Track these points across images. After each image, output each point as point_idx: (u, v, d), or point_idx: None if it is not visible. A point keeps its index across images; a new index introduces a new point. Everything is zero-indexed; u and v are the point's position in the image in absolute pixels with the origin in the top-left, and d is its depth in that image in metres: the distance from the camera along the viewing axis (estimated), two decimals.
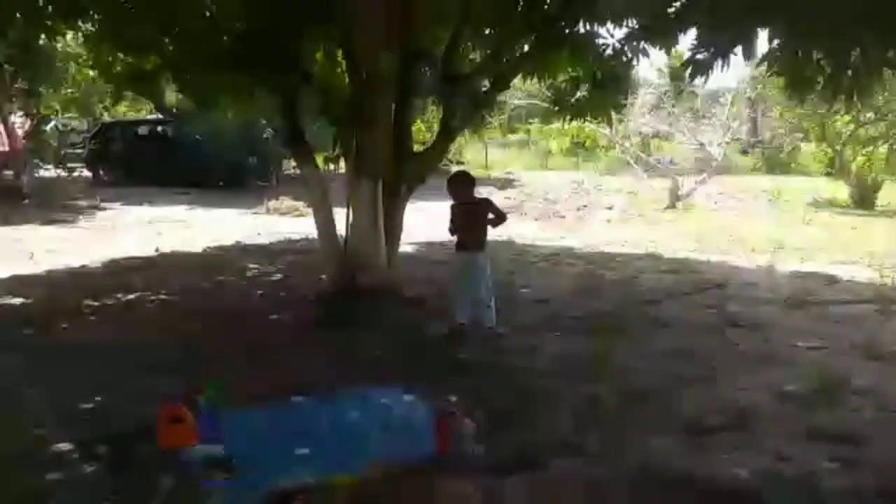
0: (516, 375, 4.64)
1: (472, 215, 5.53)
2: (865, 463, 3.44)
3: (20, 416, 3.89)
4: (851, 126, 17.91)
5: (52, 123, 17.97)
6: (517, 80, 8.88)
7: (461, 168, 6.89)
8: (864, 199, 17.14)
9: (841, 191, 18.33)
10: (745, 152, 27.76)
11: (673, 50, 6.43)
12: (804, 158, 25.92)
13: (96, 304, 6.48)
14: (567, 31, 6.29)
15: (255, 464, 3.27)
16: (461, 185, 5.62)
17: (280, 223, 12.56)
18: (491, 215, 5.59)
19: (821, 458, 3.44)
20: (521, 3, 6.40)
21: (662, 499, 3.11)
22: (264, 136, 17.88)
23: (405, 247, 8.46)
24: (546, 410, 4.01)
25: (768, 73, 6.34)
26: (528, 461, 3.36)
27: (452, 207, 5.66)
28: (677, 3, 5.41)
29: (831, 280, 7.87)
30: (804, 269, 8.61)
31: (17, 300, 6.60)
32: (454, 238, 5.63)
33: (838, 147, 18.24)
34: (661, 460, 3.41)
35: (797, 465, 3.38)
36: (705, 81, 6.50)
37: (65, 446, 3.51)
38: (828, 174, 20.45)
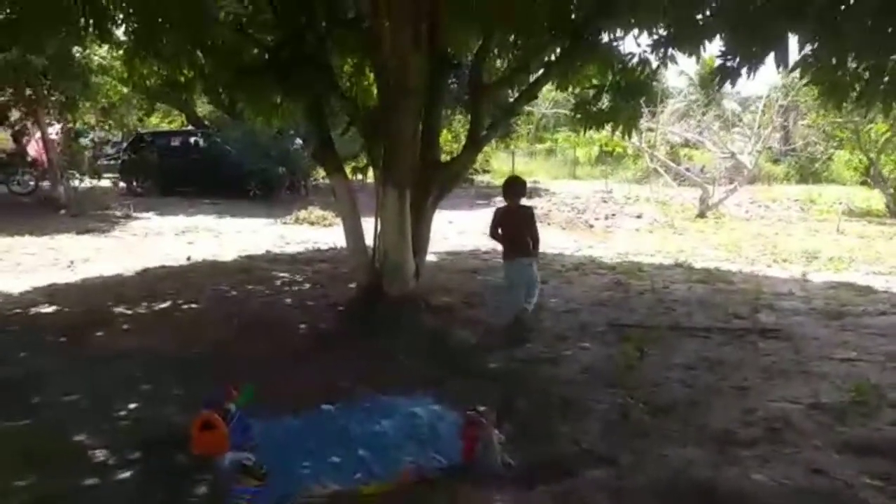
0: (544, 385, 4.62)
1: (524, 221, 5.97)
2: None
3: (57, 422, 3.98)
4: (887, 134, 17.54)
5: (89, 136, 18.36)
6: (544, 89, 8.85)
7: (512, 176, 6.95)
8: None
9: (876, 200, 17.99)
10: (776, 161, 27.37)
11: (703, 58, 6.39)
12: (838, 167, 25.45)
13: (130, 312, 6.61)
14: (593, 40, 6.28)
15: (285, 471, 3.32)
16: (519, 190, 6.11)
17: (309, 233, 12.68)
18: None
19: (855, 472, 3.38)
20: (549, 13, 6.40)
21: None
22: (294, 146, 18.09)
23: (431, 256, 8.49)
24: (574, 420, 4.00)
25: (802, 82, 6.25)
26: (555, 471, 3.35)
27: (499, 210, 6.11)
28: (705, 10, 5.37)
29: (866, 290, 7.72)
30: (838, 278, 8.46)
31: (54, 308, 6.75)
32: (493, 242, 6.03)
33: (873, 155, 17.88)
34: (691, 472, 3.38)
35: (830, 478, 3.33)
36: (733, 87, 6.49)
37: (101, 452, 3.58)
38: (863, 183, 20.05)
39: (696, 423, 3.99)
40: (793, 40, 4.65)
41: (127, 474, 3.37)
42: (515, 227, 5.95)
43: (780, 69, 4.56)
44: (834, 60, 4.80)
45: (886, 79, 4.73)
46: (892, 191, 17.36)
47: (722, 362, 5.11)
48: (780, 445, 3.71)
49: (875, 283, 8.21)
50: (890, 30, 3.99)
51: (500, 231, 6.01)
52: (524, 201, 6.24)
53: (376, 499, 3.10)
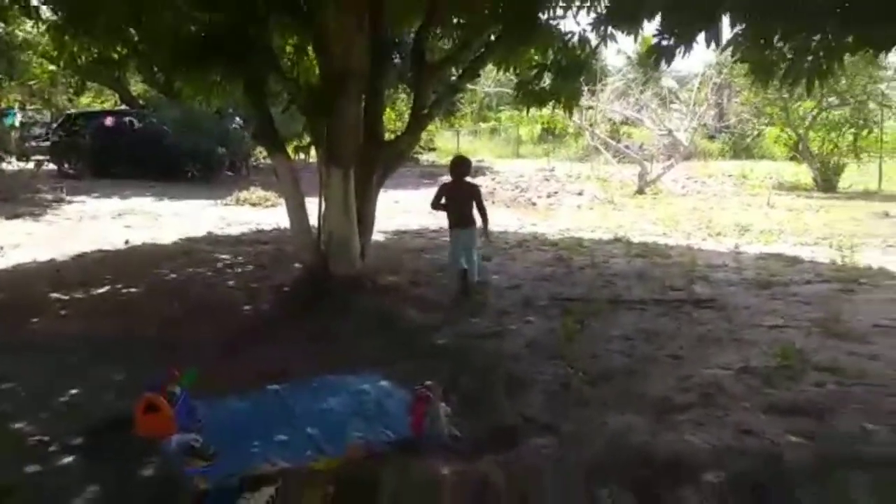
0: (489, 359, 4.73)
1: (468, 196, 6.47)
2: (827, 434, 3.60)
3: None
4: (814, 111, 18.28)
5: (15, 115, 17.58)
6: (488, 68, 8.91)
7: (458, 155, 7.36)
8: (826, 182, 17.55)
9: (804, 174, 18.75)
10: (712, 137, 28.18)
11: (640, 36, 6.54)
12: (769, 143, 26.39)
13: (66, 297, 6.43)
14: (534, 18, 6.36)
15: (233, 450, 3.33)
16: (464, 168, 6.68)
17: (251, 214, 12.49)
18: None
19: (781, 431, 3.59)
20: None
21: (630, 475, 3.21)
22: (233, 125, 17.71)
23: (377, 235, 8.50)
24: (518, 392, 4.11)
25: (732, 59, 6.47)
26: (500, 441, 3.45)
27: (443, 186, 6.64)
28: None
29: (794, 261, 8.10)
30: (768, 250, 8.85)
31: None
32: (438, 218, 6.68)
33: (802, 131, 18.60)
34: (629, 437, 3.53)
35: (758, 438, 3.53)
36: (668, 66, 6.67)
37: (41, 439, 3.51)
38: (792, 158, 20.86)
39: (634, 391, 4.16)
40: (725, 20, 4.84)
41: (69, 460, 3.32)
42: (459, 201, 6.44)
43: (712, 48, 4.70)
44: (762, 41, 4.99)
45: (810, 58, 4.95)
46: (819, 165, 18.11)
47: (658, 333, 5.32)
48: (712, 409, 3.89)
49: (802, 253, 8.61)
50: (814, 11, 4.16)
51: (444, 203, 6.51)
52: (469, 179, 6.67)
53: (326, 474, 3.14)
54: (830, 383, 4.30)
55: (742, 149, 27.34)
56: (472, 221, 6.43)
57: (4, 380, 4.32)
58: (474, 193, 6.46)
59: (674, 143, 18.12)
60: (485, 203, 6.53)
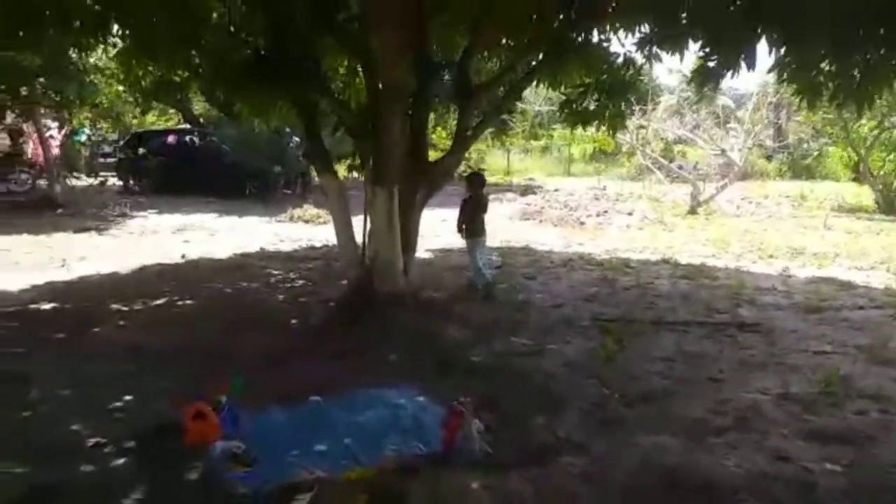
0: (526, 377, 4.79)
1: (485, 207, 7.54)
2: (865, 464, 3.55)
3: (55, 414, 4.13)
4: (875, 130, 17.73)
5: (85, 134, 18.47)
6: (540, 87, 8.97)
7: (474, 171, 8.04)
8: (889, 205, 16.95)
9: (867, 196, 18.16)
10: (769, 157, 27.54)
11: (694, 54, 6.54)
12: (831, 163, 25.65)
13: (126, 309, 6.75)
14: (579, 40, 6.44)
15: (274, 458, 3.48)
16: (480, 180, 7.78)
17: (303, 230, 12.82)
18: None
19: (817, 458, 3.55)
20: (534, 15, 6.55)
21: (661, 495, 3.23)
22: (290, 144, 18.20)
23: (423, 253, 8.66)
24: (552, 411, 4.16)
25: (778, 81, 6.42)
26: (531, 459, 3.51)
27: (466, 201, 7.53)
28: (683, 12, 5.52)
29: (847, 286, 7.90)
30: (820, 274, 8.64)
31: (52, 305, 6.89)
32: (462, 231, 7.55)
33: (863, 151, 18.05)
34: (661, 458, 3.54)
35: (793, 464, 3.49)
36: (716, 88, 6.64)
37: (97, 441, 3.73)
38: (854, 179, 20.23)
39: (669, 413, 4.17)
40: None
41: (122, 461, 3.53)
42: (478, 212, 7.48)
43: (750, 71, 4.71)
44: (806, 63, 4.97)
45: (858, 78, 4.89)
46: (881, 187, 17.53)
47: (699, 355, 5.29)
48: (748, 433, 3.88)
49: (856, 277, 8.39)
50: (852, 35, 4.14)
51: (464, 215, 7.46)
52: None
53: (360, 484, 3.25)
54: (874, 411, 4.23)
55: (802, 169, 26.64)
56: (482, 230, 7.51)
57: (66, 385, 4.59)
58: (486, 205, 7.59)
59: (729, 162, 17.82)
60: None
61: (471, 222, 7.43)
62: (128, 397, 4.38)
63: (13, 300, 7.04)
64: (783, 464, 3.52)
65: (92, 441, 3.74)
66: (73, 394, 4.47)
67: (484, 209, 7.55)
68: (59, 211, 14.27)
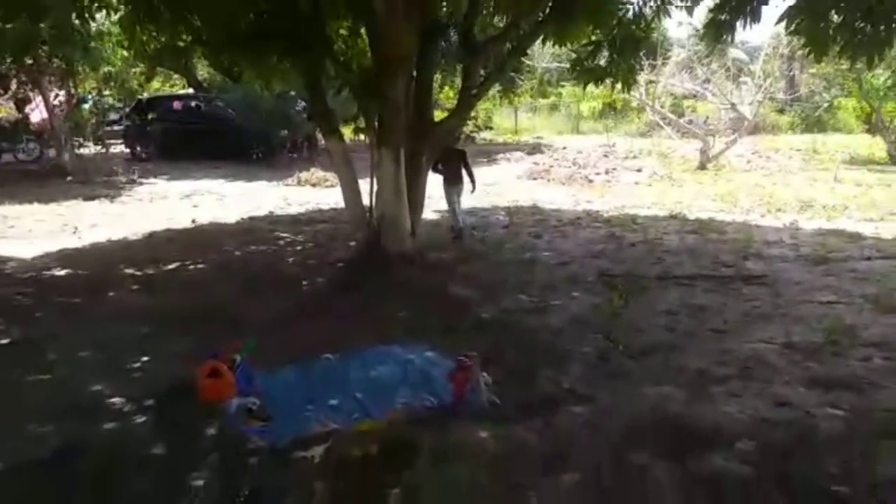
0: (532, 332, 4.88)
1: (456, 160, 8.12)
2: (867, 408, 3.61)
3: (75, 376, 4.25)
4: (889, 81, 17.41)
5: (90, 101, 18.39)
6: (548, 44, 8.86)
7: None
8: None
9: (878, 148, 17.93)
10: (781, 111, 27.15)
11: (706, 7, 6.42)
12: (844, 115, 25.24)
13: (138, 273, 6.86)
14: None
15: (288, 413, 3.59)
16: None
17: (311, 194, 12.86)
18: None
19: (818, 404, 3.63)
20: None
21: (665, 442, 3.31)
22: (295, 108, 18.11)
23: (430, 214, 8.70)
24: (557, 364, 4.24)
25: (787, 33, 6.32)
26: (537, 409, 3.60)
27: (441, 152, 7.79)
28: None
29: (855, 237, 7.89)
30: (829, 226, 8.62)
31: (66, 271, 7.02)
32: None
33: (876, 103, 17.75)
34: (665, 407, 3.62)
35: (794, 409, 3.57)
36: (731, 41, 6.54)
37: (118, 400, 3.86)
38: (867, 131, 19.93)
39: (673, 364, 4.24)
40: None
41: (143, 419, 3.65)
42: (450, 165, 8.01)
43: (755, 23, 4.66)
44: (816, 13, 4.88)
45: (869, 30, 4.81)
46: (893, 138, 17.29)
47: (704, 308, 5.34)
48: (750, 381, 3.95)
49: (865, 229, 8.36)
50: None
51: (440, 167, 7.94)
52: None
53: (371, 435, 3.36)
54: (877, 358, 4.29)
55: (814, 122, 26.23)
56: (461, 180, 8.19)
57: (84, 348, 4.71)
58: (461, 158, 8.15)
59: (739, 117, 17.60)
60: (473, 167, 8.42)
61: (448, 173, 8.12)
62: (144, 358, 4.51)
63: (27, 267, 7.17)
64: (785, 409, 3.59)
65: (113, 400, 3.87)
66: (91, 356, 4.60)
67: (455, 163, 8.14)
68: (68, 179, 14.35)
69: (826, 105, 23.65)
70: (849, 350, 4.41)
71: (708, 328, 4.88)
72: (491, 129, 26.66)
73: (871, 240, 7.75)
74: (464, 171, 8.15)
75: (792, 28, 5.34)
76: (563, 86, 31.48)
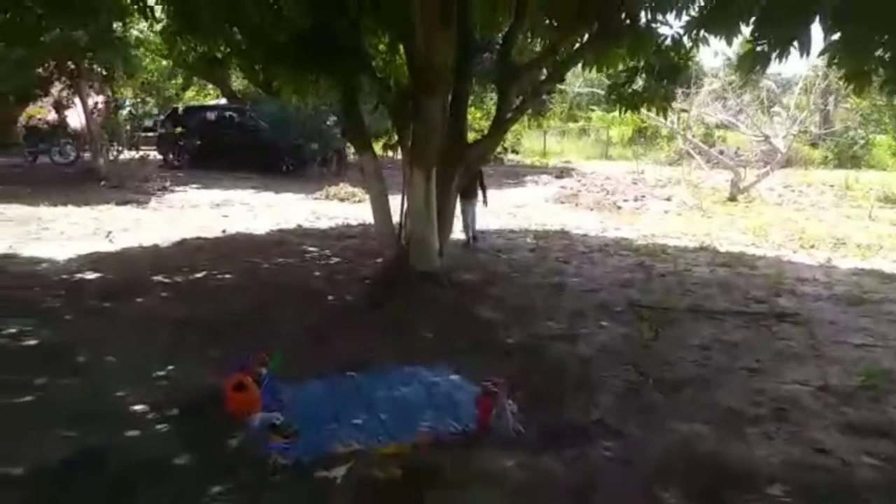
0: (560, 360, 4.80)
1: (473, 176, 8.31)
2: None
3: (101, 381, 4.27)
4: None
5: (127, 108, 18.74)
6: (578, 68, 8.88)
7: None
8: None
9: None
10: (814, 145, 26.85)
11: (738, 39, 6.38)
12: (879, 152, 24.88)
13: (168, 281, 6.91)
14: (626, 22, 6.33)
15: (312, 430, 3.56)
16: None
17: (339, 208, 12.92)
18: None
19: (855, 451, 3.51)
20: None
21: (696, 482, 3.22)
22: (327, 122, 18.29)
23: (458, 234, 8.69)
24: (586, 394, 4.17)
25: (828, 66, 6.24)
26: (564, 440, 3.53)
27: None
28: None
29: (891, 278, 7.70)
30: (864, 266, 8.44)
31: (97, 275, 7.08)
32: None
33: None
34: (696, 446, 3.53)
35: (830, 456, 3.46)
36: (763, 73, 6.48)
37: (141, 408, 3.86)
38: None
39: (705, 401, 4.14)
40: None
41: (166, 428, 3.64)
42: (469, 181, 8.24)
43: (804, 56, 4.60)
44: (858, 48, 4.81)
45: None
46: None
47: (736, 344, 5.23)
48: (784, 424, 3.84)
49: None
50: None
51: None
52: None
53: (395, 458, 3.31)
54: None
55: (848, 157, 25.88)
56: (475, 195, 9.02)
57: (111, 353, 4.73)
58: (478, 175, 8.71)
59: (772, 149, 17.41)
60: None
61: (464, 189, 8.13)
62: (171, 366, 4.51)
63: (60, 269, 7.26)
64: (820, 455, 3.49)
65: (137, 407, 3.87)
66: (118, 361, 4.61)
67: (475, 179, 8.76)
68: (102, 183, 14.58)
69: (862, 141, 23.32)
70: (886, 396, 4.28)
71: (740, 366, 4.77)
72: (517, 152, 26.68)
73: None
74: (479, 187, 9.01)
75: (835, 61, 5.30)
76: (592, 110, 31.47)
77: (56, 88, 16.75)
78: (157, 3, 7.27)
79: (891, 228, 11.85)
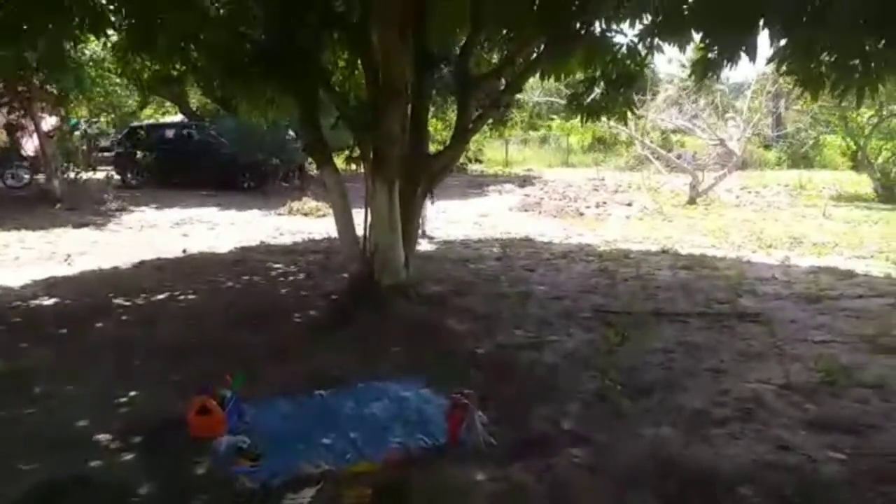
0: (528, 369, 4.81)
1: None
2: (867, 452, 3.57)
3: (61, 410, 4.14)
4: (874, 118, 17.70)
5: (81, 127, 18.37)
6: (536, 78, 8.97)
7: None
8: (888, 193, 16.93)
9: (865, 185, 18.16)
10: (768, 146, 27.52)
11: (691, 45, 6.50)
12: (829, 152, 25.61)
13: (128, 303, 6.76)
14: (580, 31, 6.41)
15: (279, 452, 3.51)
16: None
17: (303, 223, 12.83)
18: None
19: (819, 447, 3.58)
20: (535, 5, 6.51)
21: (664, 486, 3.25)
22: (287, 137, 18.17)
23: (423, 245, 8.68)
24: (554, 402, 4.18)
25: (777, 71, 6.41)
26: (534, 450, 3.54)
27: None
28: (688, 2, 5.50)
29: (847, 274, 7.91)
30: (820, 263, 8.66)
31: (53, 300, 6.91)
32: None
33: (861, 140, 18.03)
34: (664, 450, 3.57)
35: (796, 453, 3.52)
36: (717, 79, 6.62)
37: (104, 436, 3.76)
38: (852, 168, 20.20)
39: (671, 405, 4.18)
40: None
41: (130, 457, 3.55)
42: None
43: (752, 63, 4.71)
44: (806, 53, 4.95)
45: (860, 69, 4.88)
46: (879, 176, 17.52)
47: (700, 346, 5.30)
48: (750, 423, 3.90)
49: (856, 266, 8.40)
50: (850, 23, 4.13)
51: None
52: None
53: (366, 477, 3.28)
54: (875, 400, 4.25)
55: (800, 158, 26.59)
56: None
57: (70, 381, 4.60)
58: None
59: (728, 152, 17.81)
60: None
61: None
62: (133, 392, 4.40)
63: (15, 295, 7.07)
64: (785, 453, 3.54)
65: (99, 436, 3.76)
66: (78, 389, 4.49)
67: None
68: (58, 206, 14.25)
69: (812, 142, 23.97)
70: (846, 391, 4.38)
71: (704, 367, 4.84)
72: (481, 161, 26.84)
73: (863, 277, 7.78)
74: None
75: (784, 68, 5.44)
76: (552, 119, 31.85)
77: (6, 110, 16.35)
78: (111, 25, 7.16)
79: (844, 226, 12.19)
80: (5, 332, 5.83)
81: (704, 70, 5.80)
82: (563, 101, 12.39)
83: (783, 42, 4.92)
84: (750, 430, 3.82)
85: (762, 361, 4.95)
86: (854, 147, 18.73)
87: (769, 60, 5.39)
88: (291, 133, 17.64)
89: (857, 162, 18.80)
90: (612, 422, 3.95)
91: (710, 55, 5.56)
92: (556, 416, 3.98)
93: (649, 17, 6.02)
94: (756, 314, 6.18)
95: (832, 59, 4.98)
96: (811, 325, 5.88)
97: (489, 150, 28.85)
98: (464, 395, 3.71)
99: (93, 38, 9.66)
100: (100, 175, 17.30)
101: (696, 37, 5.57)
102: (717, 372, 4.75)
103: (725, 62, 5.38)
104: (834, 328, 5.75)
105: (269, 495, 3.15)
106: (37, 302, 6.84)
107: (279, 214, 14.04)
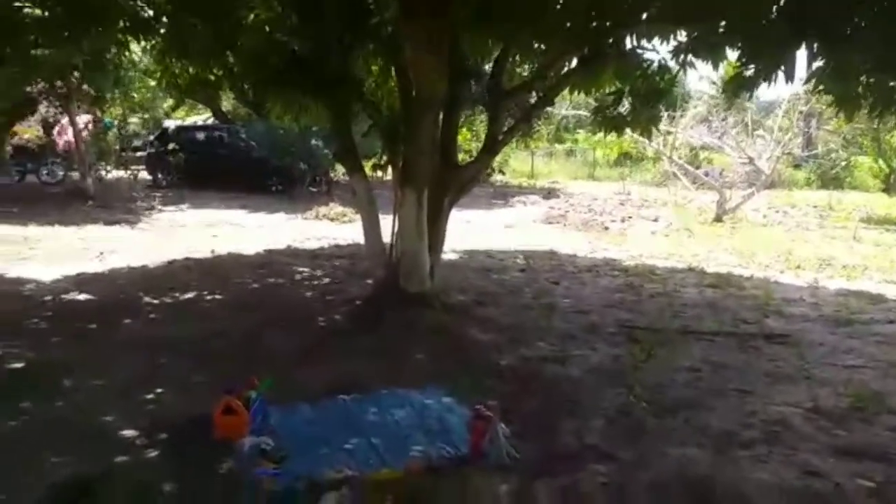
0: (552, 382, 4.80)
1: None
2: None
3: (88, 405, 4.21)
4: None
5: (114, 127, 18.69)
6: (565, 92, 8.96)
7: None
8: None
9: None
10: (798, 166, 27.18)
11: (725, 62, 6.47)
12: (860, 173, 25.25)
13: (156, 302, 6.86)
14: (613, 47, 6.41)
15: (301, 455, 3.52)
16: None
17: (329, 229, 12.91)
18: None
19: (847, 474, 3.52)
20: (569, 21, 6.52)
21: None
22: (316, 142, 18.34)
23: (448, 255, 8.69)
24: (578, 417, 4.16)
25: (814, 91, 6.35)
26: (557, 465, 3.52)
27: None
28: (722, 21, 5.48)
29: (877, 298, 7.78)
30: (850, 286, 8.52)
31: (84, 296, 7.02)
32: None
33: (894, 163, 17.76)
34: (689, 470, 3.52)
35: (823, 479, 3.46)
36: (750, 97, 6.57)
37: (129, 433, 3.81)
38: (884, 190, 19.91)
39: (697, 424, 4.14)
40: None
41: (155, 453, 3.59)
42: None
43: (788, 82, 4.68)
44: (844, 73, 4.90)
45: None
46: None
47: (726, 366, 5.25)
48: (777, 447, 3.84)
49: (887, 291, 8.26)
50: (890, 45, 4.09)
51: None
52: None
53: (387, 484, 3.28)
54: None
55: (830, 179, 26.24)
56: None
57: (98, 376, 4.67)
58: None
59: (756, 170, 17.63)
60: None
61: None
62: (159, 389, 4.46)
63: (47, 290, 7.19)
64: (812, 478, 3.49)
65: (125, 432, 3.81)
66: (105, 385, 4.56)
67: None
68: (90, 203, 14.50)
69: (844, 163, 23.66)
70: (877, 418, 4.30)
71: (731, 387, 4.78)
72: (504, 173, 26.81)
73: (894, 302, 7.64)
74: None
75: (820, 88, 5.39)
76: (578, 132, 31.76)
77: (44, 107, 16.70)
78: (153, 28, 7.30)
79: (875, 249, 11.98)
80: (37, 325, 5.93)
81: (738, 88, 5.77)
82: (590, 115, 12.40)
83: (821, 62, 4.89)
84: (777, 453, 3.77)
85: (790, 384, 4.88)
86: (886, 169, 18.46)
87: (806, 80, 5.35)
88: (320, 138, 17.78)
89: (889, 184, 18.55)
90: (638, 439, 3.91)
91: (746, 73, 5.53)
92: (581, 431, 3.96)
93: (684, 34, 6.02)
94: (784, 335, 6.10)
95: (870, 81, 4.94)
96: (840, 348, 5.79)
97: (515, 162, 28.81)
98: (487, 407, 3.70)
99: (137, 43, 9.88)
100: (133, 173, 17.56)
101: (731, 54, 5.56)
102: (744, 392, 4.69)
103: (762, 80, 5.35)
104: (864, 353, 5.66)
105: (290, 498, 3.17)
106: (68, 297, 6.96)
107: (306, 219, 14.15)
